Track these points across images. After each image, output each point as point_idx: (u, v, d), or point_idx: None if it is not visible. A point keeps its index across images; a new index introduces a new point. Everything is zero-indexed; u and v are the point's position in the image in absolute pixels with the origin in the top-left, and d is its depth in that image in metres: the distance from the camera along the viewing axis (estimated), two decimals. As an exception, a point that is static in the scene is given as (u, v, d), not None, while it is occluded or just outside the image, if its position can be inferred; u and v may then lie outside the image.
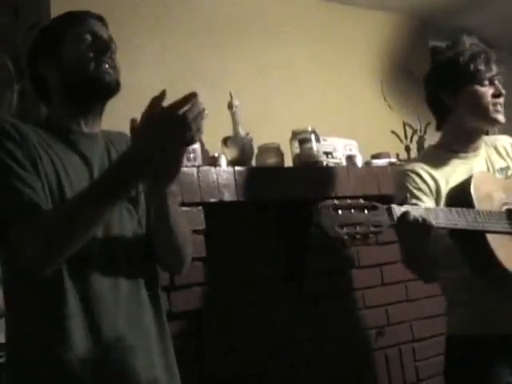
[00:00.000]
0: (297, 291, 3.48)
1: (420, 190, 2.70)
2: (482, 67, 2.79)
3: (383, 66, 4.74)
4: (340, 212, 2.11)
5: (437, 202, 2.68)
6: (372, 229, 2.16)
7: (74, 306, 1.88)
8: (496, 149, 2.91)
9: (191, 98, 1.73)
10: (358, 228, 2.13)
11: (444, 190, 2.70)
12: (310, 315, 3.51)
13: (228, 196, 3.23)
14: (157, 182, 1.93)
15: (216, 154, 3.37)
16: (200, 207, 3.14)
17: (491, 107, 2.78)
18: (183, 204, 3.04)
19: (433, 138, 4.41)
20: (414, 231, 2.26)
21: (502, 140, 2.97)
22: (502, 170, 2.85)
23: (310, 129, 3.68)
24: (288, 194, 3.43)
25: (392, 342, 3.84)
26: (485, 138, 2.93)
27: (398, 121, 4.48)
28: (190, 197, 3.09)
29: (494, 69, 2.82)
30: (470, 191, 2.60)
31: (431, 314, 4.00)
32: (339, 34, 4.51)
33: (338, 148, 3.83)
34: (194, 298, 3.13)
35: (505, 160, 2.89)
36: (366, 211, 2.16)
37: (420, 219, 2.24)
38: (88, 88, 2.02)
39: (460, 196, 2.63)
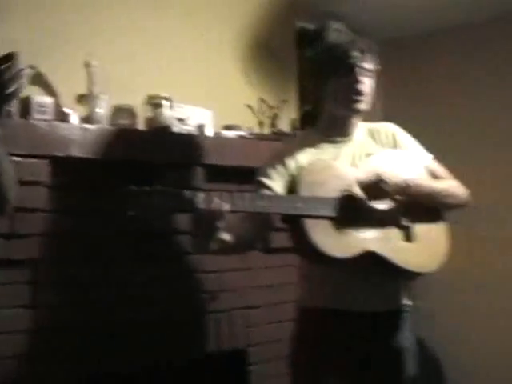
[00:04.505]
0: (135, 249, 3.58)
1: (277, 171, 2.86)
2: (344, 57, 2.86)
3: (247, 41, 4.82)
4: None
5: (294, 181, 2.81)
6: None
7: None
8: (373, 135, 3.04)
9: (10, 57, 1.82)
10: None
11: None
12: (147, 274, 3.62)
13: (76, 152, 3.28)
14: None
15: (68, 110, 3.41)
16: (46, 160, 3.19)
17: (352, 97, 2.89)
18: (30, 156, 3.10)
19: (287, 115, 4.59)
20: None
21: (385, 126, 3.09)
22: (368, 155, 2.96)
23: (164, 94, 3.76)
24: (136, 156, 3.51)
25: (224, 307, 3.99)
26: (368, 124, 3.07)
27: (256, 96, 4.60)
28: (38, 149, 3.14)
29: (358, 58, 2.88)
30: (299, 178, 2.77)
31: (266, 284, 4.20)
32: (205, 4, 4.57)
33: (191, 116, 3.91)
34: (33, 247, 3.19)
35: (376, 146, 3.01)
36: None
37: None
38: None
39: (292, 183, 2.81)
